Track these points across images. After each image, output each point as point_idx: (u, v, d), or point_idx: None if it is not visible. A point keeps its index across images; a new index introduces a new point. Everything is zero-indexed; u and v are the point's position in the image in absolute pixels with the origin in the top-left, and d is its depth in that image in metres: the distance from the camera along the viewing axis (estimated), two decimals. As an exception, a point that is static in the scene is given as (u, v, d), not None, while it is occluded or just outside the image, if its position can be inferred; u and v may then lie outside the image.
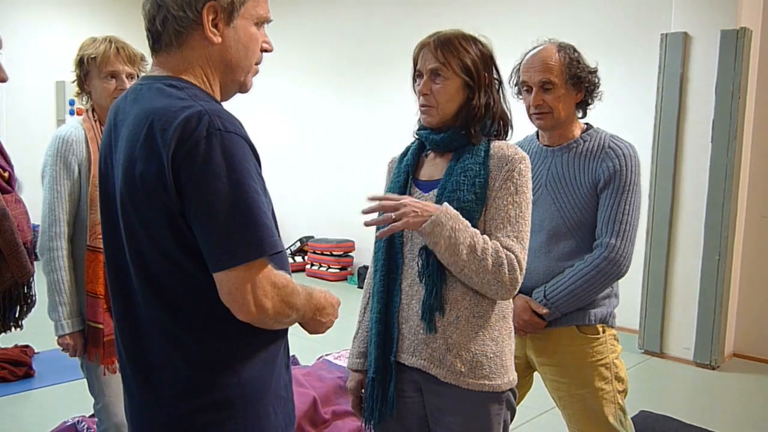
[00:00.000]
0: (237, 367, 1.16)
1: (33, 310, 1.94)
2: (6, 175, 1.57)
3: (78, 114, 7.06)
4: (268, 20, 1.23)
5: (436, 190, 1.55)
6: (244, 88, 1.26)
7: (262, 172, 1.15)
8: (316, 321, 1.28)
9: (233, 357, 1.16)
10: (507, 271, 1.45)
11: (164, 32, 1.16)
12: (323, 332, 1.32)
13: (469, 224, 1.46)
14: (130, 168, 1.10)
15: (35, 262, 1.87)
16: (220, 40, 1.16)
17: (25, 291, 1.50)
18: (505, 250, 1.46)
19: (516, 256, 1.47)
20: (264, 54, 1.27)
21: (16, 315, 1.49)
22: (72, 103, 7.20)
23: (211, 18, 1.14)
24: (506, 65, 2.04)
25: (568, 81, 1.93)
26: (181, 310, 1.14)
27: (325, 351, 3.90)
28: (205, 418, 1.15)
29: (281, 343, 1.27)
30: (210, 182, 1.03)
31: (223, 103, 1.21)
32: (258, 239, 1.05)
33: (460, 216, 1.45)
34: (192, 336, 1.14)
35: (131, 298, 1.19)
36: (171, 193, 1.05)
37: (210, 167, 1.03)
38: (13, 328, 1.49)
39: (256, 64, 1.25)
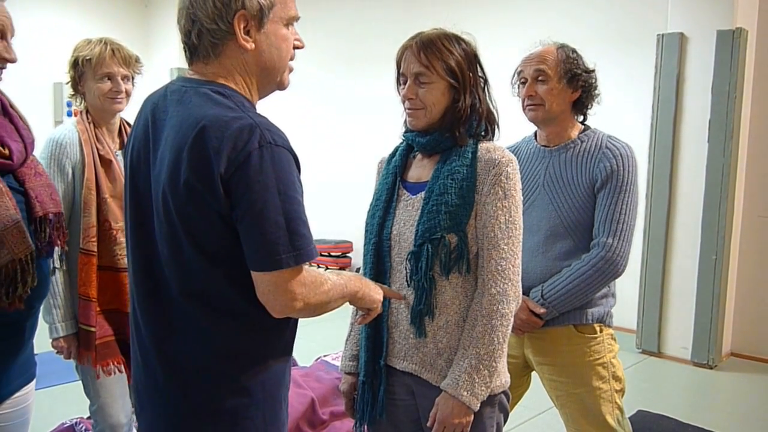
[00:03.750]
0: (263, 358, 1.24)
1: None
2: (6, 152, 1.54)
3: (75, 115, 7.02)
4: (296, 18, 1.28)
5: (423, 193, 1.53)
6: (282, 86, 1.31)
7: None
8: (360, 305, 1.40)
9: (262, 348, 1.24)
10: (507, 304, 1.46)
11: (200, 45, 1.22)
12: (373, 309, 1.44)
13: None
14: (176, 169, 1.14)
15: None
16: (253, 46, 1.21)
17: (26, 266, 1.45)
18: (496, 303, 1.45)
19: (510, 279, 1.47)
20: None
21: (19, 292, 1.44)
22: (69, 104, 7.18)
23: (242, 26, 1.19)
24: (502, 65, 2.04)
25: (563, 76, 1.94)
26: (215, 305, 1.19)
27: (323, 352, 3.88)
28: (229, 404, 1.21)
29: (293, 338, 1.34)
30: (261, 192, 1.10)
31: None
32: (297, 248, 1.13)
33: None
34: (224, 329, 1.20)
35: (160, 292, 1.22)
36: (219, 196, 1.11)
37: (262, 178, 1.10)
38: (15, 305, 1.44)
39: (290, 60, 1.30)
